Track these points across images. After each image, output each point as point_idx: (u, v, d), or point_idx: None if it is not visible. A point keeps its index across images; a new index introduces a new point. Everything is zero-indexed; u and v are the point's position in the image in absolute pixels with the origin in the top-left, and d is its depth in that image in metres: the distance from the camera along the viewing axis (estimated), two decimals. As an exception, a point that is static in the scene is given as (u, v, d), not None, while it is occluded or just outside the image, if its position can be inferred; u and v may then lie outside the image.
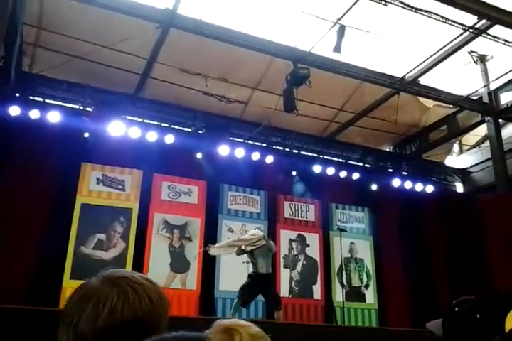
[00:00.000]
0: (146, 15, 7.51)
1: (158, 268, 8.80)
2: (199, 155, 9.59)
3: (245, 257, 7.43)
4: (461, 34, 8.08)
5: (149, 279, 1.07)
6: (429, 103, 10.68)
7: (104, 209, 8.82)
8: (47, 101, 8.95)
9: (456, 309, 1.45)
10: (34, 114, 8.25)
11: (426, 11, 7.22)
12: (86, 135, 8.58)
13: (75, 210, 8.52)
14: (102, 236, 8.64)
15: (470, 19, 7.62)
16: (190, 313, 8.63)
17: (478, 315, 1.35)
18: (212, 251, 7.34)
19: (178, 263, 9.06)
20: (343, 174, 10.72)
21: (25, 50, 8.21)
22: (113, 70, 8.79)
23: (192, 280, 9.01)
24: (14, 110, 8.07)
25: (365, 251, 10.91)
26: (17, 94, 8.50)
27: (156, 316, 1.01)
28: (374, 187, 11.04)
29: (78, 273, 7.99)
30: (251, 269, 7.28)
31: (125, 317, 0.96)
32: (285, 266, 9.99)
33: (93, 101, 9.06)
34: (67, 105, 9.07)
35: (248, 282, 7.12)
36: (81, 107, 9.05)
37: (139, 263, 8.65)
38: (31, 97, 8.84)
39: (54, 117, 8.33)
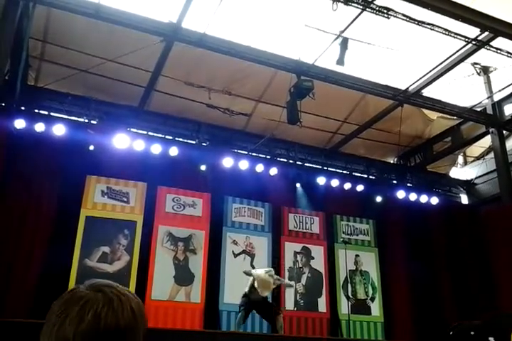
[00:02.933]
0: (151, 28, 7.58)
1: (162, 281, 8.77)
2: (203, 168, 9.60)
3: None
4: (464, 46, 8.12)
5: (132, 292, 1.08)
6: (432, 115, 10.69)
7: (108, 221, 8.82)
8: (52, 114, 9.02)
9: (451, 333, 1.48)
10: (39, 127, 8.30)
11: (429, 24, 7.26)
12: (91, 148, 8.61)
13: (79, 223, 8.52)
14: (106, 249, 8.62)
15: (473, 31, 7.66)
16: (195, 326, 8.57)
17: (472, 333, 1.38)
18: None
19: (183, 276, 9.02)
20: (347, 186, 10.70)
21: (31, 63, 8.29)
22: (118, 83, 8.86)
23: (196, 293, 8.96)
24: (19, 123, 8.12)
25: (370, 263, 10.84)
26: (22, 108, 8.55)
27: (137, 328, 1.02)
28: (378, 198, 11.01)
29: None
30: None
31: (108, 324, 0.97)
32: (290, 279, 9.91)
33: (98, 114, 9.12)
34: (72, 118, 9.13)
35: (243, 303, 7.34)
36: (86, 120, 9.11)
37: (143, 276, 8.62)
38: (36, 110, 8.91)
39: (59, 130, 8.37)
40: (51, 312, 1.01)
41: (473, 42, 7.90)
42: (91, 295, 1.00)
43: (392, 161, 12.30)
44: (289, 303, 9.67)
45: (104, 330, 0.96)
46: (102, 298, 1.00)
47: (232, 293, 8.60)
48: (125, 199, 9.06)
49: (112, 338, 0.97)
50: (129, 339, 1.00)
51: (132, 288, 8.45)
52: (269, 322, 7.59)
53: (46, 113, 8.99)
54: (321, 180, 10.46)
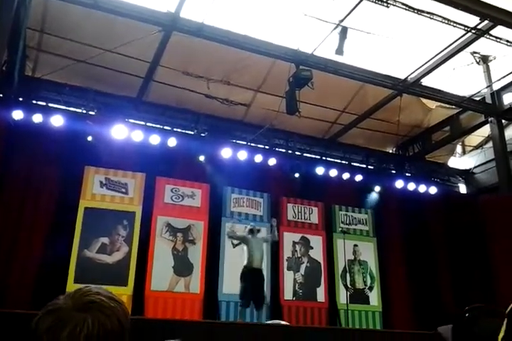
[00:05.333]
0: (149, 18, 7.52)
1: (161, 272, 8.80)
2: (202, 158, 9.59)
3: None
4: (464, 35, 8.08)
5: (114, 297, 1.08)
6: (431, 104, 10.67)
7: (107, 212, 8.83)
8: (50, 105, 8.98)
9: (467, 315, 1.46)
10: (37, 117, 8.27)
11: (428, 13, 7.22)
12: (89, 138, 8.59)
13: (78, 214, 8.53)
14: (105, 240, 8.64)
15: (472, 20, 7.62)
16: (194, 317, 8.62)
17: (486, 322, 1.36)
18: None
19: (182, 267, 9.05)
20: (346, 176, 10.70)
21: (28, 54, 8.24)
22: (116, 74, 8.81)
23: (196, 283, 9.00)
24: (17, 114, 8.09)
25: (368, 253, 10.89)
26: (20, 99, 8.52)
27: (124, 335, 1.05)
28: (377, 188, 11.03)
29: (82, 277, 8.00)
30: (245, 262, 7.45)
31: None
32: (289, 269, 9.97)
33: (96, 105, 9.08)
34: (70, 109, 9.09)
35: (243, 282, 7.34)
36: (84, 111, 9.06)
37: (142, 267, 8.65)
38: (34, 101, 8.86)
39: (57, 121, 8.34)
40: (39, 332, 1.00)
41: (473, 31, 7.86)
42: (79, 316, 1.00)
43: (390, 151, 12.30)
44: (288, 293, 9.73)
45: None
46: (90, 318, 1.00)
47: (231, 283, 8.62)
48: (124, 190, 9.05)
49: None
50: None
51: (131, 278, 8.49)
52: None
53: (44, 104, 8.95)
54: (319, 170, 10.46)
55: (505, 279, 9.74)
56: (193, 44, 8.22)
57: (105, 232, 8.69)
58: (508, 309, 1.36)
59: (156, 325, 5.17)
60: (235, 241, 9.03)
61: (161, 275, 8.79)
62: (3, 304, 6.81)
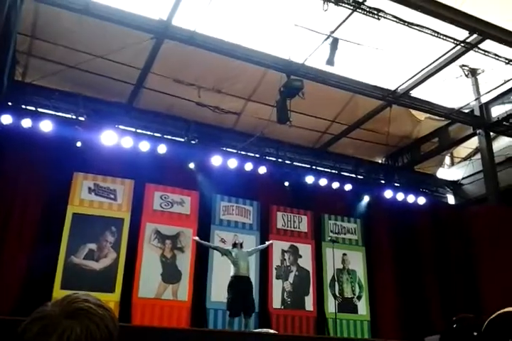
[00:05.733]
0: (141, 25, 7.55)
1: (149, 279, 8.74)
2: (192, 166, 9.58)
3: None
4: (453, 48, 8.19)
5: (102, 304, 1.08)
6: (420, 115, 10.77)
7: (95, 218, 8.77)
8: (39, 110, 8.93)
9: (455, 326, 1.47)
10: (26, 122, 8.23)
11: (418, 25, 7.32)
12: (78, 144, 8.56)
13: (66, 220, 8.46)
14: (93, 246, 8.57)
15: (461, 34, 7.74)
16: (182, 324, 8.56)
17: (475, 333, 1.37)
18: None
19: (170, 274, 9.00)
20: (335, 185, 10.75)
21: (18, 59, 8.20)
22: (106, 80, 8.81)
23: (183, 291, 8.96)
24: (6, 119, 8.05)
25: (357, 262, 10.90)
26: (9, 103, 8.48)
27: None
28: (366, 198, 11.08)
29: (69, 283, 7.92)
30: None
31: None
32: (277, 277, 9.95)
33: (86, 111, 9.04)
34: (60, 114, 9.05)
35: (230, 291, 7.31)
36: (74, 116, 9.03)
37: (130, 274, 8.59)
38: (24, 106, 8.81)
39: (46, 126, 8.31)
40: (26, 339, 0.99)
41: (462, 45, 7.98)
42: (67, 322, 1.00)
43: (380, 161, 12.39)
44: (277, 301, 9.70)
45: None
46: (78, 324, 1.00)
47: (220, 291, 8.58)
48: (112, 197, 9.01)
49: None
50: None
51: (119, 285, 8.42)
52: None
53: (33, 109, 8.90)
54: (309, 179, 10.50)
55: (491, 289, 9.81)
56: (185, 52, 8.25)
57: (93, 238, 8.63)
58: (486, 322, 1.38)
59: (144, 332, 5.13)
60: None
61: (149, 282, 8.73)
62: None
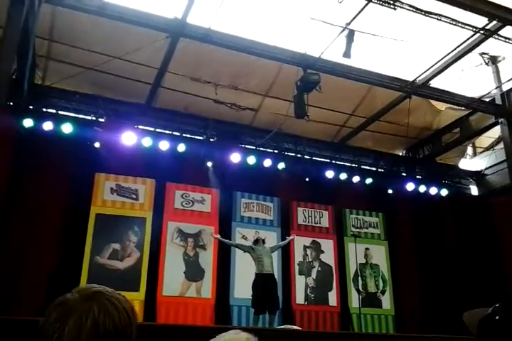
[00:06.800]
0: (156, 25, 7.56)
1: (173, 277, 8.81)
2: (211, 163, 9.60)
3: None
4: (472, 36, 8.03)
5: (119, 293, 1.11)
6: (441, 106, 10.61)
7: (118, 218, 8.86)
8: (60, 112, 9.04)
9: (498, 317, 1.38)
10: (47, 125, 8.34)
11: (435, 14, 7.19)
12: (97, 145, 8.66)
13: (89, 220, 8.56)
14: (116, 246, 8.66)
15: (480, 21, 7.58)
16: (206, 322, 8.61)
17: None
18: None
19: (193, 272, 9.05)
20: (356, 179, 10.66)
21: (37, 62, 8.31)
22: (124, 81, 8.86)
23: (207, 288, 9.00)
24: (27, 122, 8.17)
25: (380, 256, 10.82)
26: (30, 107, 8.59)
27: (132, 327, 1.06)
28: (388, 191, 10.97)
29: (94, 283, 7.82)
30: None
31: (107, 329, 1.00)
32: (300, 273, 9.93)
33: (105, 112, 9.13)
34: (80, 116, 9.15)
35: (255, 289, 7.26)
36: (93, 118, 9.13)
37: (153, 272, 8.66)
38: (44, 109, 8.93)
39: (67, 128, 8.42)
40: (47, 324, 1.01)
41: (481, 32, 7.82)
42: (85, 305, 1.02)
43: (400, 153, 12.24)
44: (300, 297, 9.69)
45: (104, 336, 0.99)
46: (96, 306, 1.02)
47: (243, 288, 8.59)
48: (134, 196, 9.09)
49: None
50: (128, 338, 1.04)
51: (143, 284, 8.50)
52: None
53: (54, 111, 9.02)
54: (329, 174, 10.43)
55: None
56: (201, 50, 8.25)
57: (116, 238, 8.72)
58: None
59: (169, 330, 5.15)
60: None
61: (173, 280, 8.80)
62: (16, 312, 6.83)
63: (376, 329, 9.96)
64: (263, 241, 7.72)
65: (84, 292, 1.06)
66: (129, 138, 8.81)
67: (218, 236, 8.24)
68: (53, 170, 8.34)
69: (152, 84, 9.05)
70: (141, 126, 9.55)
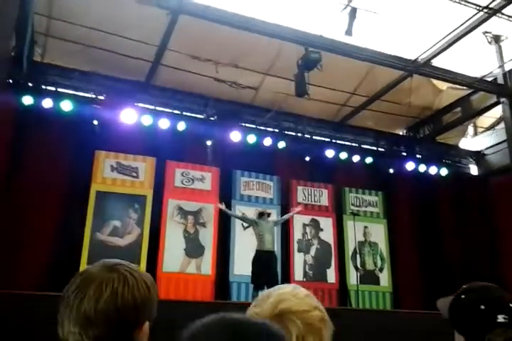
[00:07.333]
0: (156, 1, 7.47)
1: (173, 254, 8.93)
2: (211, 142, 9.62)
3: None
4: (475, 14, 7.91)
5: (140, 268, 1.14)
6: (442, 85, 10.54)
7: (118, 196, 8.93)
8: (59, 90, 9.00)
9: (463, 296, 1.47)
10: (47, 103, 8.33)
11: (438, -8, 7.09)
12: (96, 123, 8.66)
13: (90, 197, 8.63)
14: (117, 223, 8.76)
15: (484, -1, 7.49)
16: (206, 298, 8.76)
17: (482, 307, 1.38)
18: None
19: (193, 249, 9.17)
20: (356, 158, 10.69)
21: (36, 39, 8.24)
22: (124, 58, 8.79)
23: (207, 265, 9.13)
24: (27, 100, 8.16)
25: (378, 234, 10.93)
26: (30, 84, 8.56)
27: (152, 300, 1.09)
28: (388, 170, 11.00)
29: (95, 259, 7.76)
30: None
31: (125, 300, 1.03)
32: (299, 251, 10.06)
33: (105, 90, 9.10)
34: (80, 94, 9.12)
35: (254, 265, 7.34)
36: (93, 95, 9.10)
37: (154, 249, 8.77)
38: (44, 86, 8.89)
39: (66, 106, 8.41)
40: (67, 293, 1.06)
41: (485, 10, 7.71)
42: (106, 275, 1.06)
43: (401, 133, 12.22)
44: (298, 274, 9.83)
45: (122, 306, 1.02)
46: (116, 276, 1.06)
47: (242, 264, 8.72)
48: (134, 174, 9.14)
49: (131, 313, 1.03)
50: (146, 311, 1.07)
51: (143, 260, 8.62)
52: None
53: (53, 89, 8.97)
54: (329, 153, 10.45)
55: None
56: (201, 27, 8.15)
57: (117, 215, 8.82)
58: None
59: (169, 305, 5.26)
60: (245, 224, 9.10)
61: (173, 257, 8.92)
62: (17, 286, 6.96)
63: (374, 306, 10.13)
64: (268, 215, 7.70)
65: (106, 264, 1.11)
66: (128, 115, 8.80)
67: (223, 206, 7.97)
68: (53, 147, 8.37)
69: (152, 61, 8.99)
70: (140, 104, 9.51)
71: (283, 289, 1.14)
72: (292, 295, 1.06)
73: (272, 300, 1.07)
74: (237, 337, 0.74)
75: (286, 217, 8.48)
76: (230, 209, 9.55)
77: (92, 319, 1.00)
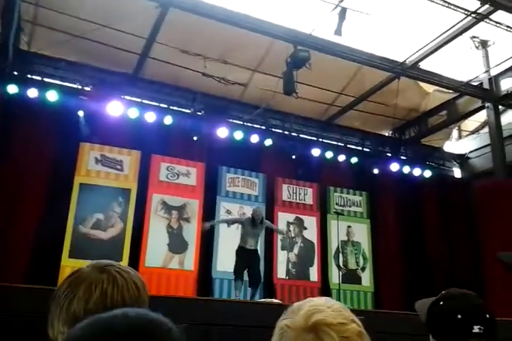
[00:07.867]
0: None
1: (156, 249, 8.88)
2: (198, 137, 9.58)
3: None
4: (464, 19, 8.00)
5: (131, 268, 1.15)
6: (429, 88, 10.63)
7: (102, 189, 8.85)
8: (45, 79, 8.87)
9: (441, 303, 1.48)
10: (32, 92, 8.21)
11: (429, -5, 7.14)
12: (81, 114, 8.55)
13: (73, 190, 8.55)
14: (100, 216, 8.68)
15: (473, 4, 7.55)
16: (188, 293, 8.73)
17: (459, 316, 1.39)
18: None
19: (176, 244, 9.13)
20: (341, 158, 10.73)
21: (23, 27, 8.12)
22: (112, 50, 8.72)
23: (190, 260, 9.10)
24: (12, 88, 8.03)
25: (362, 234, 11.00)
26: (15, 73, 8.43)
27: (142, 301, 1.09)
28: (372, 171, 11.07)
29: (77, 252, 8.06)
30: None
31: (115, 301, 1.04)
32: (282, 248, 10.07)
33: (92, 81, 9.00)
34: (66, 84, 9.00)
35: (237, 256, 7.38)
36: (79, 86, 8.99)
37: (137, 243, 8.72)
38: (29, 76, 8.76)
39: (52, 96, 8.29)
40: (58, 293, 1.06)
41: (473, 15, 7.79)
42: (96, 275, 1.06)
43: (387, 134, 12.30)
44: (281, 272, 9.85)
45: (111, 307, 1.00)
46: (106, 277, 1.06)
47: (225, 261, 8.71)
48: (119, 167, 9.06)
49: None
50: None
51: (126, 254, 8.57)
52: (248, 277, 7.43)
53: (39, 78, 8.84)
54: (315, 152, 10.48)
55: (496, 263, 9.87)
56: (191, 21, 8.12)
57: (100, 208, 8.73)
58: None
59: (150, 301, 5.24)
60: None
61: (156, 251, 8.88)
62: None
63: (355, 305, 10.16)
64: (261, 220, 7.50)
65: (98, 264, 1.11)
66: (115, 108, 8.72)
67: (208, 224, 8.09)
68: (37, 138, 8.25)
69: (140, 54, 8.93)
70: (127, 97, 9.42)
71: (315, 301, 1.06)
72: (327, 306, 1.00)
73: (305, 311, 1.00)
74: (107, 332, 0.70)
75: (274, 228, 8.54)
76: (215, 205, 9.57)
77: (81, 319, 1.00)
